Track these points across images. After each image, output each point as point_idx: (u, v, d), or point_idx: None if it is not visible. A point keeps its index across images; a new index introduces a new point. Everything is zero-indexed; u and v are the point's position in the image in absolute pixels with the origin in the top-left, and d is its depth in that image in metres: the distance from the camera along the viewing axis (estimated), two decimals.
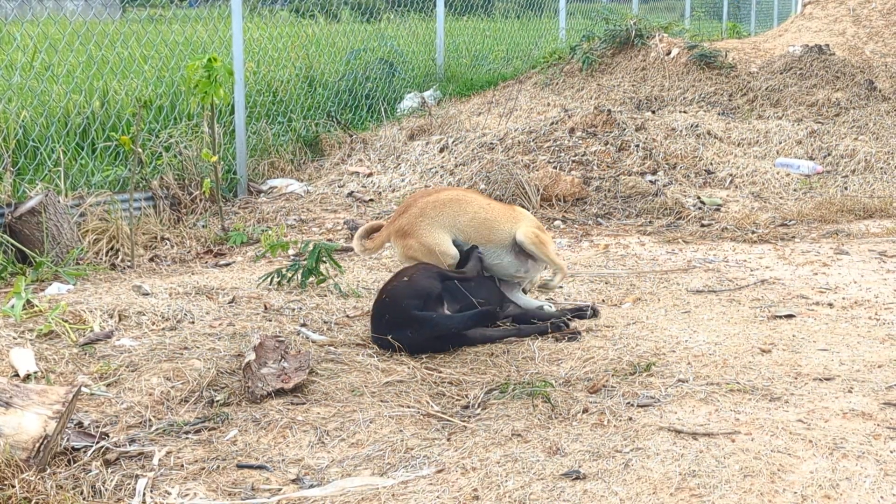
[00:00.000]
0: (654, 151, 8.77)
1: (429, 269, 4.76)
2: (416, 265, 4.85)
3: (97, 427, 3.63)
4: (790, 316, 5.10)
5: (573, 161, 8.52)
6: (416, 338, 4.46)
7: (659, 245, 6.93)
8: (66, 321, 4.71)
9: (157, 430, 3.67)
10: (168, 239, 6.92)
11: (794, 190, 8.40)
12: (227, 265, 6.42)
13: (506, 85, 12.67)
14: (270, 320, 4.95)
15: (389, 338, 4.47)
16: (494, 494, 3.12)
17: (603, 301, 5.49)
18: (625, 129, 9.04)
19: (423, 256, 4.94)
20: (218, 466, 3.38)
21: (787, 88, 11.15)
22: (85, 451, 3.42)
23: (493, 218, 5.06)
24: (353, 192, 8.55)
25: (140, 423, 3.74)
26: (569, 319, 4.91)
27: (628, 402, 3.87)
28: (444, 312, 4.56)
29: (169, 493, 3.19)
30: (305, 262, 5.61)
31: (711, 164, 8.83)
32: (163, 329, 4.74)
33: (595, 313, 5.08)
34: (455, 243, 4.98)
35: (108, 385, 4.07)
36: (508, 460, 3.37)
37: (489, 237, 5.05)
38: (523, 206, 7.75)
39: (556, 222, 7.57)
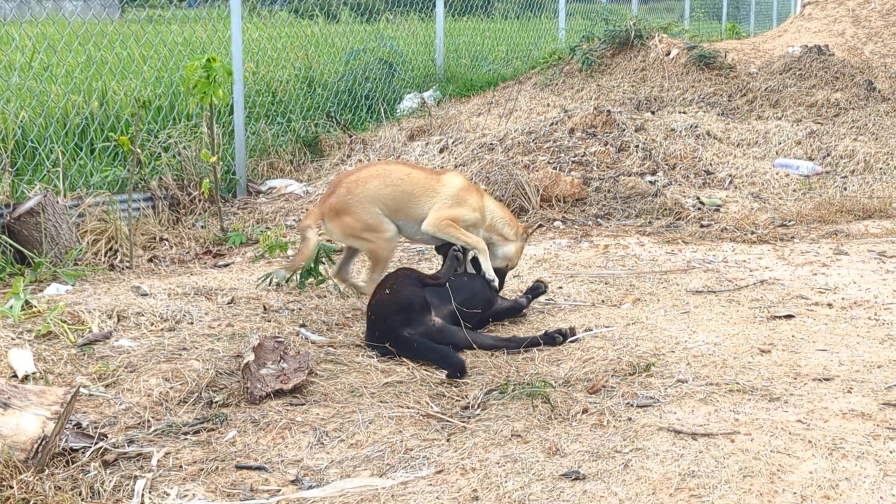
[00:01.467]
0: (653, 152, 8.77)
1: (409, 276, 4.77)
2: (395, 272, 4.87)
3: (96, 428, 3.62)
4: (789, 316, 5.10)
5: (573, 162, 8.51)
6: (399, 353, 4.50)
7: (658, 245, 6.93)
8: (65, 322, 4.70)
9: (155, 430, 3.66)
10: (167, 239, 6.91)
11: (794, 190, 8.40)
12: (225, 266, 6.42)
13: (505, 85, 12.67)
14: (269, 321, 4.95)
15: (387, 345, 4.50)
16: (494, 495, 3.12)
17: (602, 301, 5.49)
18: (624, 130, 9.03)
19: (362, 232, 4.99)
20: (217, 467, 3.38)
21: (786, 89, 11.15)
22: (83, 452, 3.42)
23: (412, 191, 5.03)
24: None
25: (138, 423, 3.73)
26: (563, 332, 4.75)
27: (628, 403, 3.86)
28: (434, 320, 4.58)
29: (168, 494, 3.18)
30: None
31: (711, 164, 8.83)
32: (161, 330, 4.73)
33: (568, 334, 4.78)
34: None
35: (107, 386, 4.07)
36: (508, 461, 3.36)
37: (407, 212, 5.04)
38: (523, 207, 7.74)
39: (556, 223, 7.57)
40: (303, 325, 4.90)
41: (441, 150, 9.06)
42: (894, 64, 12.00)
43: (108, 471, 3.32)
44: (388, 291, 4.62)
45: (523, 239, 5.34)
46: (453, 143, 9.11)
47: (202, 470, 3.36)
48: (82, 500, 3.13)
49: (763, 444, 3.44)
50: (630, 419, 3.70)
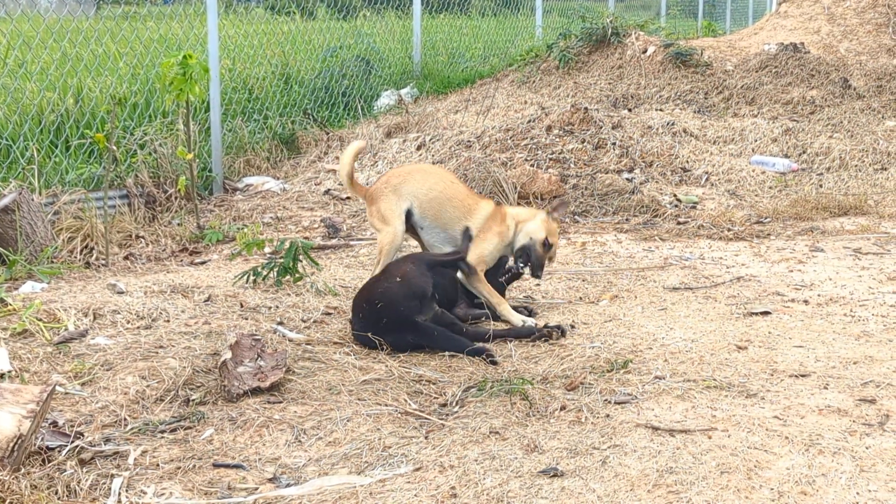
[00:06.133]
0: (630, 149, 8.79)
1: (420, 260, 4.85)
2: (404, 257, 4.98)
3: (72, 426, 3.60)
4: (766, 313, 5.12)
5: (550, 159, 8.52)
6: (415, 342, 4.50)
7: (636, 242, 6.95)
8: (41, 320, 4.66)
9: (132, 429, 3.64)
10: (143, 237, 6.87)
11: (770, 187, 8.44)
12: (202, 263, 6.39)
13: (483, 83, 12.66)
14: (247, 319, 4.93)
15: (370, 335, 4.48)
16: (472, 492, 3.12)
17: (580, 299, 5.50)
18: (601, 127, 9.05)
19: (378, 223, 5.23)
20: (194, 465, 3.36)
21: (762, 86, 11.19)
22: (60, 451, 3.39)
23: (449, 202, 5.19)
24: (329, 189, 8.53)
25: (115, 422, 3.71)
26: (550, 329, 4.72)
27: (606, 400, 3.87)
28: (438, 311, 4.64)
29: (144, 493, 3.16)
30: (281, 260, 5.58)
31: (687, 161, 8.86)
32: (138, 328, 4.70)
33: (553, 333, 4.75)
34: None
35: (83, 384, 4.04)
36: (486, 458, 3.36)
37: (439, 217, 5.18)
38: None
39: None
40: (280, 323, 4.88)
41: (418, 148, 9.05)
42: (869, 61, 12.07)
43: (84, 469, 3.30)
44: (398, 279, 4.63)
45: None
46: (430, 140, 9.11)
47: (179, 468, 3.34)
48: (59, 498, 3.11)
49: (740, 441, 3.46)
50: (608, 416, 3.71)
